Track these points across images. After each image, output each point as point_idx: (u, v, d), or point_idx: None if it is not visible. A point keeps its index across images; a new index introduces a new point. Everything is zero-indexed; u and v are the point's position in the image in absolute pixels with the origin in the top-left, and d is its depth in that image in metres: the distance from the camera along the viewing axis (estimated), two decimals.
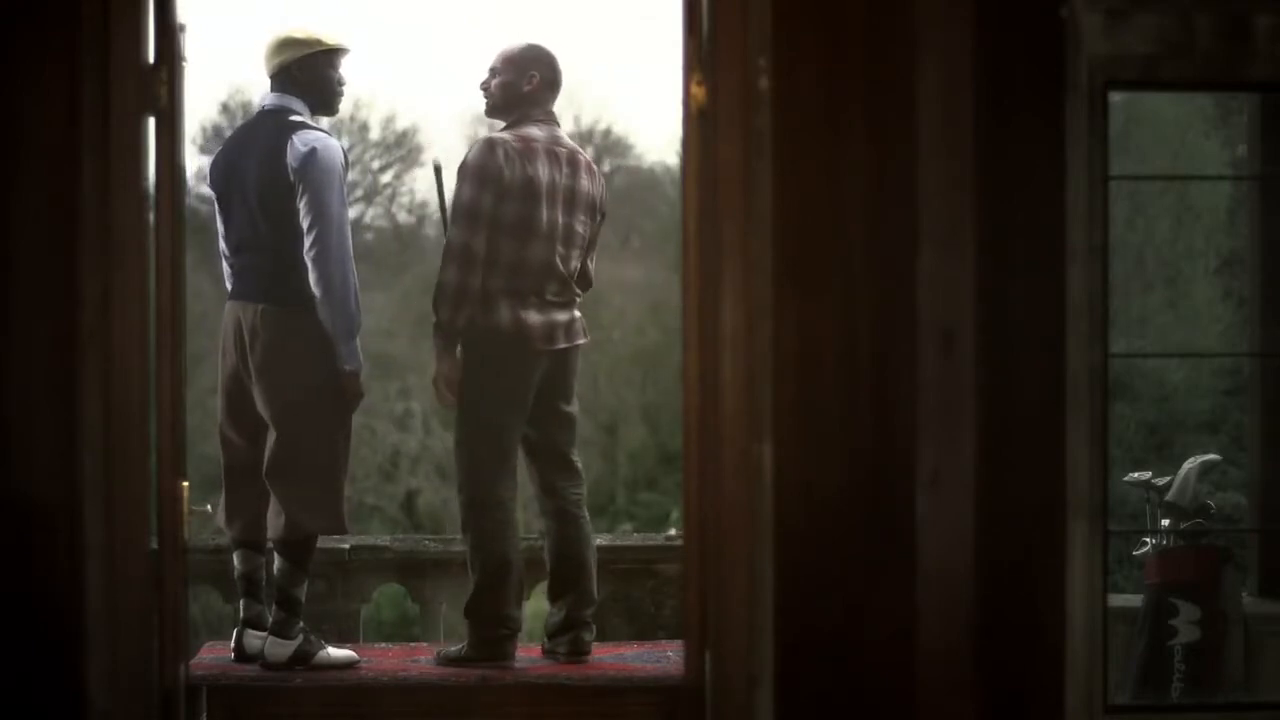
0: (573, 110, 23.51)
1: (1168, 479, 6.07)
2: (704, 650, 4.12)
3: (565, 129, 5.80)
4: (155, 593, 4.15)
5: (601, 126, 24.68)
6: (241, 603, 5.59)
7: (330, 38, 5.59)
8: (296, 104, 5.53)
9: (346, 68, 5.66)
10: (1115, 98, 4.07)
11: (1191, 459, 6.13)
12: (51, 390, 3.90)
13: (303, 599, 5.48)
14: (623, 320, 21.97)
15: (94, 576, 3.91)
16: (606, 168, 23.21)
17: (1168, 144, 16.71)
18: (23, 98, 3.89)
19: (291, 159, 5.37)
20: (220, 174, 5.58)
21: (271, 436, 5.41)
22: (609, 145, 24.70)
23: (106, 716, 3.93)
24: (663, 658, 5.57)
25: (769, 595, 3.90)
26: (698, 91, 4.06)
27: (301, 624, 5.46)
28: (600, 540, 6.81)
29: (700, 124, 4.06)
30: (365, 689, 5.33)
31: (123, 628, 3.95)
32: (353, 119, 23.41)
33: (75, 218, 3.90)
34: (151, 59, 4.05)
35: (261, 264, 5.44)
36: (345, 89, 5.68)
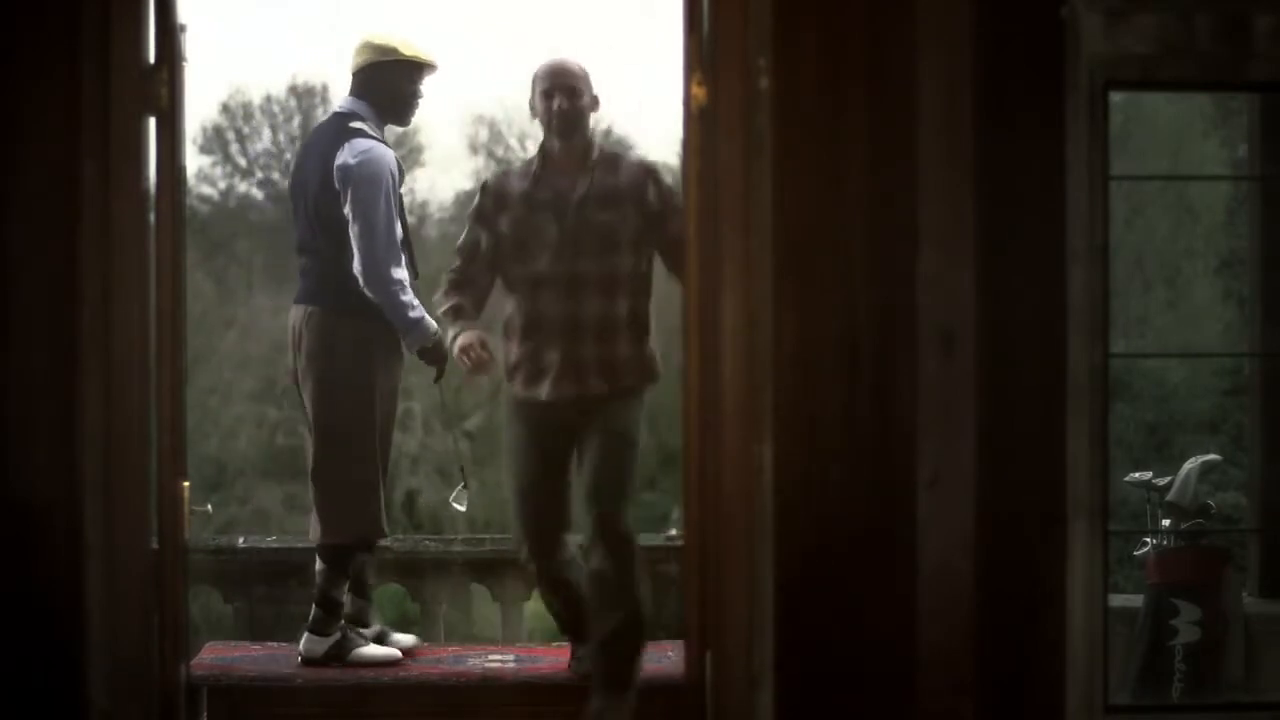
0: None
1: (1168, 479, 6.06)
2: (704, 650, 4.12)
3: None
4: (155, 593, 4.15)
5: (601, 126, 24.65)
6: (347, 598, 5.57)
7: (409, 48, 5.53)
8: (364, 110, 5.50)
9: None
10: (1115, 98, 4.07)
11: (1192, 459, 6.12)
12: (51, 390, 3.90)
13: (343, 600, 5.50)
14: None
15: (94, 576, 3.91)
16: None
17: (1168, 144, 16.71)
18: (23, 98, 3.89)
19: (339, 166, 5.38)
20: (293, 174, 5.66)
21: (313, 439, 5.42)
22: (609, 145, 24.66)
23: (106, 716, 3.93)
24: (663, 658, 5.57)
25: (769, 595, 3.89)
26: (698, 91, 4.06)
27: (342, 623, 5.49)
28: None
29: (700, 124, 4.06)
30: (365, 689, 5.33)
31: (123, 628, 3.95)
32: None
33: (76, 218, 3.90)
34: (151, 59, 4.05)
35: (313, 266, 5.47)
36: (421, 102, 5.60)
